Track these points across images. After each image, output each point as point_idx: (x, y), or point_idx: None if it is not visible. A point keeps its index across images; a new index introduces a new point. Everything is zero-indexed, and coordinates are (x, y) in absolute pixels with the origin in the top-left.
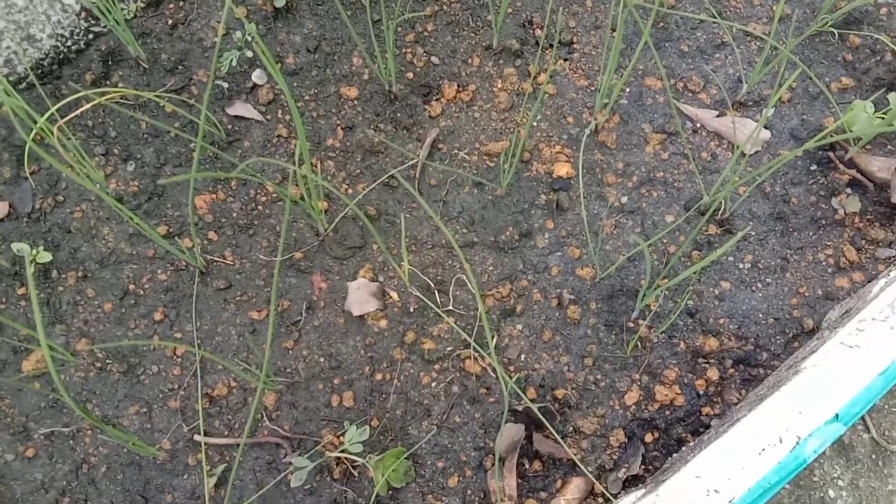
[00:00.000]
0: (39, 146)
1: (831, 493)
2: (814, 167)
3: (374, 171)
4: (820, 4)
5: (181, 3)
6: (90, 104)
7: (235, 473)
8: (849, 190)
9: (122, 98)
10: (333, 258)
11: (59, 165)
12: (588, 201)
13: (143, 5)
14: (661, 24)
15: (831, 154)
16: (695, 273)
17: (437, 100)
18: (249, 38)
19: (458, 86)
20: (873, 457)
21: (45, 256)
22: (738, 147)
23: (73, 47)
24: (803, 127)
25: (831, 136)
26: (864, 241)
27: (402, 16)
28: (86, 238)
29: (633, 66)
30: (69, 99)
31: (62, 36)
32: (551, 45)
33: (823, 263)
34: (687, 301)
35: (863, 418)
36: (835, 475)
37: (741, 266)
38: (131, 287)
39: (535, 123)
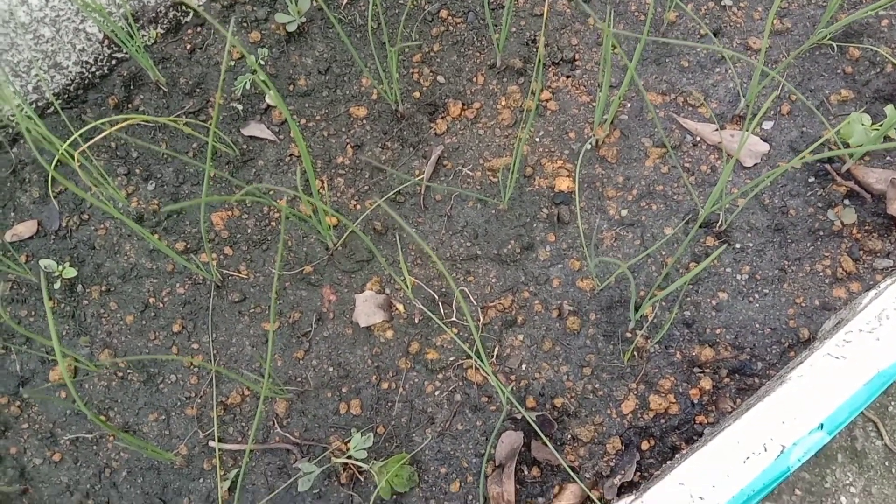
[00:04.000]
0: (64, 169)
1: (843, 499)
2: (812, 179)
3: (381, 187)
4: (820, 17)
5: (199, 29)
6: (109, 130)
7: (246, 478)
8: (846, 201)
9: (144, 120)
10: (342, 271)
11: (79, 192)
12: (588, 214)
13: (162, 32)
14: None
15: (828, 166)
16: (689, 284)
17: (442, 118)
18: (262, 63)
19: (463, 104)
20: (886, 464)
21: (71, 272)
22: (732, 158)
23: (97, 73)
24: (802, 139)
25: (828, 148)
26: (861, 252)
27: (406, 42)
28: (109, 254)
29: (626, 84)
30: (90, 126)
31: (87, 63)
32: (554, 63)
33: (821, 274)
34: (683, 311)
35: (876, 425)
36: (847, 482)
37: (738, 277)
38: (151, 300)
39: (537, 139)
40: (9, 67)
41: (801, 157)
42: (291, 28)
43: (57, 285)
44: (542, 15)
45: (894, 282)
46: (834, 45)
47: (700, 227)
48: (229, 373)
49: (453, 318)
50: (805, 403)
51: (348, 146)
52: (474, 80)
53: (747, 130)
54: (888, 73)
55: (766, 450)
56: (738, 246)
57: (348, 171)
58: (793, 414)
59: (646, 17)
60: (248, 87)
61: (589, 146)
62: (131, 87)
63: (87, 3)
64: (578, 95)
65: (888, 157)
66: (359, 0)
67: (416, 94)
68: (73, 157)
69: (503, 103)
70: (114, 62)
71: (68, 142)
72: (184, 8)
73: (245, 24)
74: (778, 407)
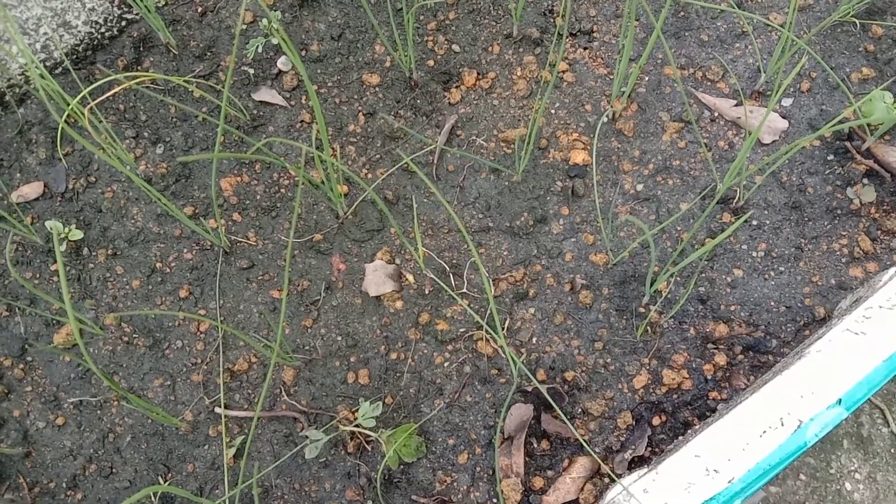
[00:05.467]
0: (73, 129)
1: (848, 485)
2: (830, 157)
3: (393, 156)
4: None
5: None
6: (121, 87)
7: (252, 445)
8: (865, 180)
9: (152, 83)
10: (352, 240)
11: (91, 147)
12: (603, 188)
13: None
14: (682, 13)
15: (848, 144)
16: (705, 260)
17: (456, 87)
18: (275, 27)
19: (478, 73)
20: (892, 451)
21: (77, 234)
22: (752, 134)
23: (107, 34)
24: (822, 117)
25: (847, 124)
26: (879, 232)
27: (421, 2)
28: (116, 217)
29: (646, 56)
30: (101, 82)
31: (96, 23)
32: (571, 34)
33: (837, 253)
34: (698, 287)
35: (882, 412)
36: (852, 468)
37: (754, 254)
38: (158, 265)
39: (552, 111)
40: (18, 24)
41: (820, 131)
42: None
43: (63, 247)
44: None
45: None
46: (857, 22)
47: (717, 203)
48: (240, 334)
49: (464, 290)
50: (823, 378)
51: (360, 114)
52: (490, 49)
53: (767, 107)
54: None
55: (783, 424)
56: (754, 223)
57: (360, 139)
58: (811, 389)
59: None
60: (259, 50)
61: (605, 119)
62: (141, 49)
63: None
64: (596, 67)
65: None
66: None
67: (431, 63)
68: (83, 115)
69: (519, 73)
70: (124, 23)
71: (77, 98)
72: None
73: None
74: (796, 381)
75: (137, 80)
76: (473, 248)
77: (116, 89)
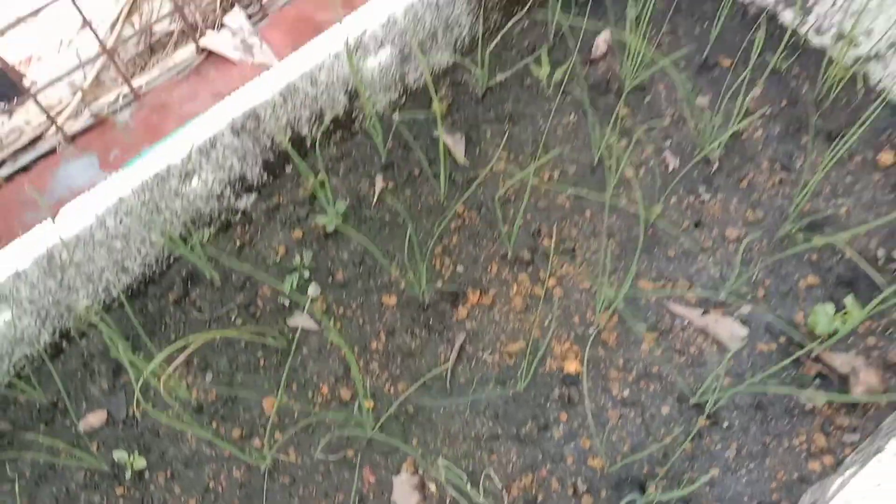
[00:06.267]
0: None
1: None
2: (786, 361)
3: (412, 371)
4: (787, 207)
5: (247, 227)
6: (189, 350)
7: None
8: (817, 381)
9: (197, 310)
10: (380, 453)
11: (158, 415)
12: (595, 394)
13: (214, 231)
14: (651, 231)
15: (800, 350)
16: (685, 461)
17: (462, 304)
18: (305, 264)
19: (481, 291)
20: None
21: (140, 463)
22: (717, 341)
23: (157, 271)
24: (777, 323)
25: (799, 332)
26: (832, 428)
27: (429, 238)
28: (172, 441)
29: (631, 276)
30: (165, 353)
31: (149, 264)
32: (557, 253)
33: (798, 449)
34: (682, 489)
35: None
36: None
37: (727, 454)
38: (211, 484)
39: (546, 324)
40: (85, 275)
41: (773, 344)
42: (330, 229)
43: (128, 474)
44: (545, 208)
45: (856, 473)
46: (802, 234)
47: (692, 407)
48: None
49: (480, 501)
50: None
51: (381, 332)
52: (489, 269)
53: (729, 315)
54: (847, 260)
55: None
56: (725, 424)
57: (382, 356)
58: None
59: (637, 211)
60: (294, 286)
61: (592, 331)
62: (188, 283)
63: (158, 224)
64: (580, 282)
65: (850, 340)
66: (386, 199)
67: (439, 284)
68: (155, 375)
69: (515, 290)
70: (171, 261)
71: (150, 366)
72: (233, 210)
73: (288, 223)
74: None
75: (207, 339)
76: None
77: (189, 350)
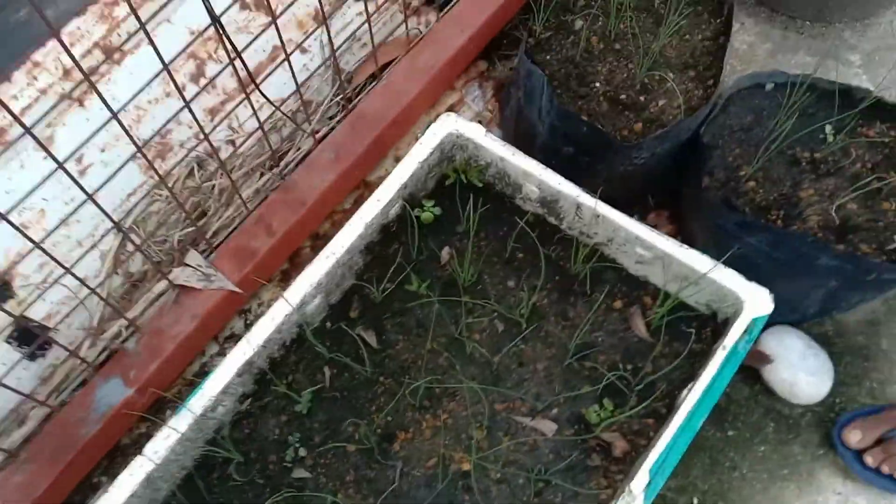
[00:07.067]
0: None
1: None
2: (577, 438)
3: (375, 490)
4: (570, 346)
5: (249, 419)
6: None
7: None
8: (597, 448)
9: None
10: None
11: None
12: (480, 481)
13: (230, 429)
14: (497, 372)
15: (585, 433)
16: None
17: (396, 441)
18: (295, 437)
19: (404, 431)
20: None
21: None
22: (543, 434)
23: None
24: (571, 418)
25: (584, 423)
26: (608, 474)
27: None
28: None
29: (488, 406)
30: None
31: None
32: (446, 397)
33: (594, 487)
34: None
35: None
36: None
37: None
38: None
39: (445, 443)
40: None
41: (570, 430)
42: (304, 411)
43: None
44: (432, 368)
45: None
46: (576, 362)
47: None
48: None
49: None
50: None
51: (350, 469)
52: (406, 415)
53: (546, 417)
54: (604, 375)
55: None
56: (554, 483)
57: (354, 483)
58: None
59: (489, 360)
60: (290, 452)
61: (474, 442)
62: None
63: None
64: (462, 412)
65: (613, 425)
66: (335, 383)
67: (378, 431)
68: None
69: (424, 425)
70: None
71: None
72: (238, 412)
73: (276, 411)
74: None
75: None
76: None
77: None
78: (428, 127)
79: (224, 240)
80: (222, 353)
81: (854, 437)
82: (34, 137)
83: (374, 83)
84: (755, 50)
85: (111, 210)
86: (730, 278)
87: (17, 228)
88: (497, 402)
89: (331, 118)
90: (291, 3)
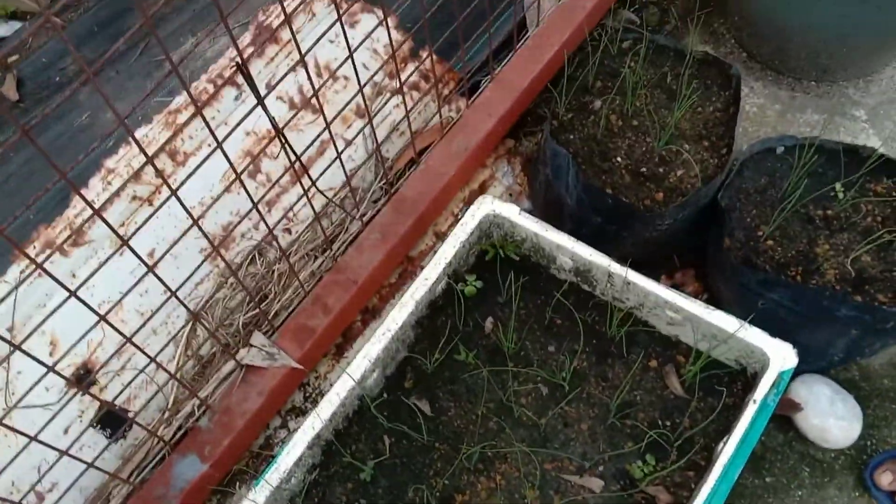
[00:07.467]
0: None
1: None
2: (624, 494)
3: None
4: (611, 405)
5: (318, 488)
6: None
7: None
8: (643, 502)
9: None
10: None
11: None
12: None
13: (302, 498)
14: (544, 434)
15: (631, 488)
16: None
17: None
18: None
19: (461, 493)
20: None
21: None
22: (591, 490)
23: None
24: (616, 474)
25: (628, 478)
26: None
27: None
28: None
29: (539, 465)
30: None
31: None
32: (498, 459)
33: None
34: None
35: None
36: None
37: None
38: None
39: (500, 503)
40: None
41: (616, 486)
42: (368, 479)
43: None
44: (484, 434)
45: None
46: (618, 420)
47: None
48: None
49: None
50: None
51: None
52: (462, 478)
53: (592, 475)
54: (645, 432)
55: None
56: None
57: None
58: None
59: (534, 424)
60: None
61: (527, 502)
62: None
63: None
64: (514, 475)
65: (656, 479)
66: (393, 450)
67: (436, 495)
68: None
69: (480, 487)
70: None
71: None
72: (308, 481)
73: (342, 480)
74: None
75: None
76: None
77: None
78: (464, 205)
79: (285, 320)
80: (284, 426)
81: (886, 478)
82: (129, 247)
83: (412, 167)
84: (765, 111)
85: (183, 297)
86: (755, 336)
87: (113, 327)
88: (546, 461)
89: (375, 202)
90: (343, 109)
